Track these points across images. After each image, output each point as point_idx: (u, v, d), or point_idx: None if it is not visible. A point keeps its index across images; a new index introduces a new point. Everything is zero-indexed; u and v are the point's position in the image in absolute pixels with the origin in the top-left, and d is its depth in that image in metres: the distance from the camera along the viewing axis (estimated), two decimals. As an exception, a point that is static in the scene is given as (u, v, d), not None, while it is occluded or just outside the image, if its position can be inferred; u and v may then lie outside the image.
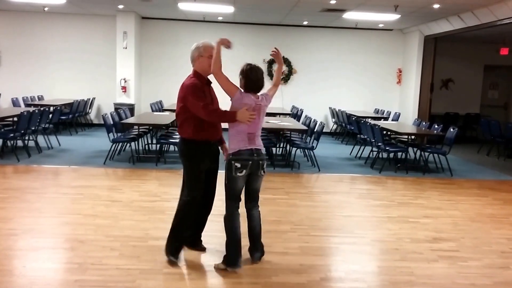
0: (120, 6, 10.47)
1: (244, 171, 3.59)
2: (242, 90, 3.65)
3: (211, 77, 3.76)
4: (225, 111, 3.61)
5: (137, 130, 8.35)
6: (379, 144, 8.00)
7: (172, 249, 3.79)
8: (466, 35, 10.60)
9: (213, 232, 4.38)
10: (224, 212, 3.69)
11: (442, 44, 11.79)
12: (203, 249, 4.07)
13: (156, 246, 4.07)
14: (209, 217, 4.74)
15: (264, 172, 3.75)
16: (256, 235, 3.87)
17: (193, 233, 3.99)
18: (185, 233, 3.82)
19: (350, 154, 9.48)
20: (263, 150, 3.74)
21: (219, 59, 3.56)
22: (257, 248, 3.89)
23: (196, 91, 3.61)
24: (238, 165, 3.56)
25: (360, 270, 3.82)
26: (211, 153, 3.80)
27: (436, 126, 8.66)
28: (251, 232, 3.83)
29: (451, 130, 8.02)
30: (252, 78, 3.61)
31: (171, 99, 11.74)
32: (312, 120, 8.62)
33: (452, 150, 8.28)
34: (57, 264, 3.71)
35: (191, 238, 3.99)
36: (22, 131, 7.78)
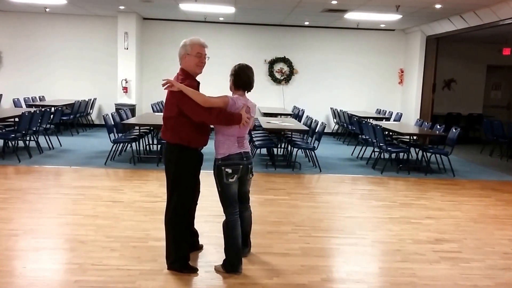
0: (121, 7, 10.47)
1: (235, 176, 3.53)
2: (232, 94, 3.61)
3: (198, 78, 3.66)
4: (232, 112, 3.41)
5: (138, 131, 8.35)
6: (381, 144, 7.97)
7: (181, 263, 3.60)
8: (468, 35, 10.57)
9: (213, 233, 4.37)
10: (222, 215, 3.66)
11: (444, 44, 11.76)
12: (200, 248, 4.05)
13: (157, 247, 4.05)
14: (208, 218, 4.77)
15: (252, 175, 3.70)
16: (246, 234, 3.87)
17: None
18: (184, 243, 3.66)
19: (352, 154, 9.46)
20: (251, 153, 3.71)
21: (194, 92, 3.37)
22: (246, 244, 3.92)
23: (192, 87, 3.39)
24: (229, 170, 3.49)
25: (361, 271, 3.79)
26: (201, 160, 3.66)
27: (438, 127, 8.63)
28: (242, 231, 3.79)
29: (454, 130, 7.99)
30: (242, 76, 3.57)
31: (172, 100, 11.72)
32: (314, 120, 8.60)
33: (455, 151, 8.24)
34: (57, 265, 3.69)
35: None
36: (23, 132, 7.78)
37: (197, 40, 3.53)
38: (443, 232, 4.86)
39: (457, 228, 5.01)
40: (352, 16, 10.03)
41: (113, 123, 7.79)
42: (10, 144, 8.29)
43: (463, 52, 12.87)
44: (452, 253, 4.27)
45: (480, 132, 12.36)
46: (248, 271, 3.65)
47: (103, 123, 7.96)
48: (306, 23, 11.79)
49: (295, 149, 8.21)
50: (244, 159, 3.56)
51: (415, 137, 8.60)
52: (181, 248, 3.61)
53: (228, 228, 3.58)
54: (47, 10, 11.11)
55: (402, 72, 12.57)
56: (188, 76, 3.51)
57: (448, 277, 3.74)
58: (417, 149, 8.65)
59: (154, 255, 3.88)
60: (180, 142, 3.47)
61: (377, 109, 12.41)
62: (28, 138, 8.24)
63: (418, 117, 11.37)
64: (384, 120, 10.88)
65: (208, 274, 3.59)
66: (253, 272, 3.66)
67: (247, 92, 3.67)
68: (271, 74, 12.38)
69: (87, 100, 11.43)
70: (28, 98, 11.30)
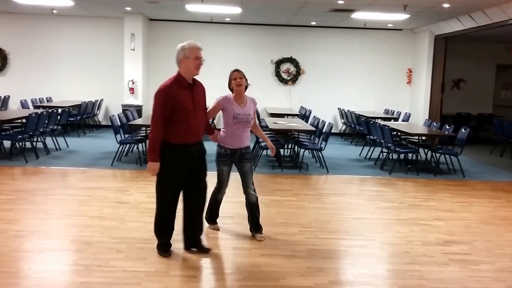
0: (128, 8, 10.49)
1: None
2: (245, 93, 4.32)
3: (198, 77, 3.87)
4: (157, 152, 3.63)
5: (144, 132, 8.34)
6: (389, 145, 7.90)
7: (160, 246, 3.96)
8: (477, 34, 10.46)
9: (217, 234, 4.33)
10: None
11: (453, 44, 11.65)
12: (205, 251, 3.99)
13: (163, 248, 4.03)
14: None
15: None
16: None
17: (187, 234, 4.01)
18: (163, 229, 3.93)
19: (360, 155, 9.38)
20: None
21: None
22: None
23: (161, 98, 3.61)
24: None
25: (369, 273, 3.74)
26: (189, 157, 3.76)
27: (447, 127, 8.54)
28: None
29: (463, 130, 7.89)
30: None
31: (179, 101, 11.72)
32: (321, 120, 8.55)
33: (464, 151, 8.15)
34: (63, 266, 3.69)
35: (186, 238, 4.01)
36: (31, 133, 7.80)
37: (194, 44, 3.74)
38: (453, 234, 4.79)
39: (466, 230, 4.94)
40: (359, 16, 9.97)
41: (119, 124, 7.79)
42: (17, 145, 8.32)
43: (472, 51, 12.75)
44: (462, 255, 4.20)
45: (490, 132, 12.23)
46: (254, 273, 3.62)
47: (110, 124, 7.97)
48: (313, 23, 11.73)
49: (302, 150, 8.16)
50: None
51: (424, 138, 8.52)
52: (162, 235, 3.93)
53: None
54: (54, 12, 11.15)
55: (410, 72, 12.47)
56: (178, 81, 3.73)
57: (458, 279, 3.68)
58: (426, 150, 8.56)
59: (160, 257, 3.86)
60: (175, 141, 3.69)
61: (385, 109, 12.32)
62: (35, 139, 8.26)
63: (427, 117, 11.26)
64: (392, 120, 10.79)
65: (213, 276, 3.56)
66: (259, 274, 3.62)
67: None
68: (277, 74, 12.33)
69: (93, 101, 11.46)
70: (35, 99, 11.34)
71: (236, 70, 4.25)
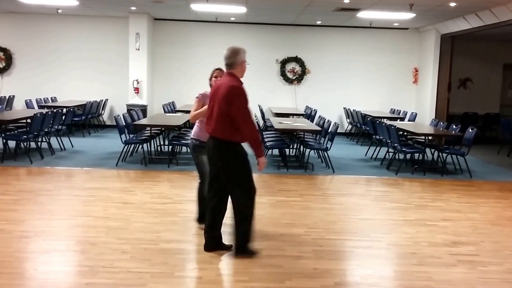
0: (133, 8, 10.50)
1: None
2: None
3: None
4: (262, 145, 3.82)
5: (149, 132, 8.34)
6: (395, 145, 7.85)
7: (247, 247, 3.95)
8: (484, 33, 10.38)
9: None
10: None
11: (460, 43, 11.56)
12: (228, 248, 4.04)
13: (168, 249, 4.02)
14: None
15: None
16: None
17: (215, 235, 4.01)
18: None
19: (366, 155, 9.33)
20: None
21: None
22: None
23: (246, 97, 3.76)
24: None
25: (376, 274, 3.71)
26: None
27: (454, 127, 8.47)
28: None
29: (470, 130, 7.83)
30: None
31: (183, 100, 11.72)
32: (326, 120, 8.50)
33: (471, 151, 8.08)
34: (68, 267, 3.68)
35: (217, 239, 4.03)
36: (35, 133, 7.80)
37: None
38: (460, 234, 4.75)
39: (474, 231, 4.89)
40: (365, 15, 9.92)
41: (124, 124, 7.78)
42: (22, 145, 8.33)
43: (479, 50, 12.65)
44: (469, 256, 4.16)
45: (497, 132, 12.14)
46: (260, 274, 3.59)
47: (115, 124, 7.96)
48: (318, 22, 11.69)
49: (308, 150, 8.12)
50: None
51: (430, 137, 8.46)
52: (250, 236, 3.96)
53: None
54: (59, 11, 11.18)
55: (417, 71, 12.40)
56: (240, 81, 3.89)
57: (465, 281, 3.64)
58: (432, 150, 8.49)
59: (165, 258, 3.84)
60: (240, 139, 3.84)
61: (391, 109, 12.26)
62: (40, 139, 8.28)
63: (433, 117, 11.19)
64: (398, 120, 10.72)
65: (220, 277, 3.54)
66: (264, 275, 3.59)
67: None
68: (283, 74, 12.30)
69: (98, 101, 11.47)
70: (40, 99, 11.36)
71: (218, 69, 4.44)
